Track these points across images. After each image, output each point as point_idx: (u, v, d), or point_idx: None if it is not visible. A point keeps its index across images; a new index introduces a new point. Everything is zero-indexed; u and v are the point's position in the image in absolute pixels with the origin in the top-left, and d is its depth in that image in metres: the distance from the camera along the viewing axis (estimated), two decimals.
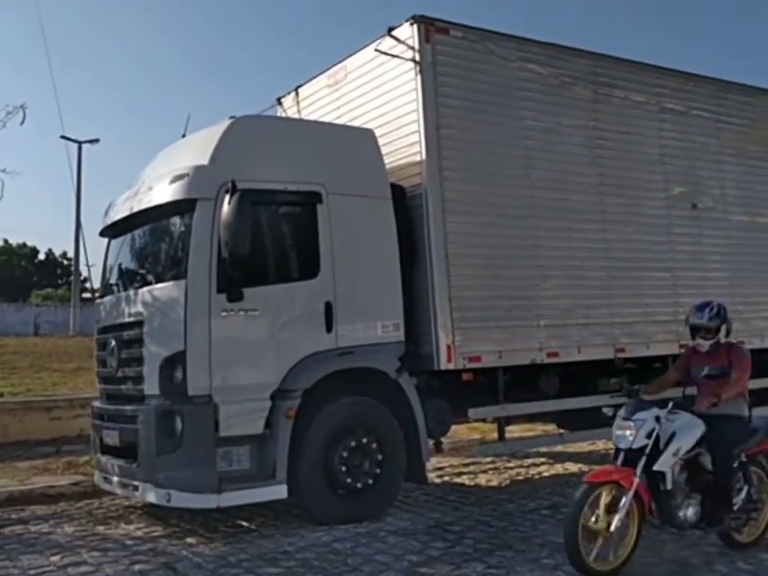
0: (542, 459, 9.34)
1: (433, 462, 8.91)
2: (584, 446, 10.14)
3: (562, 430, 8.03)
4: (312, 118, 8.06)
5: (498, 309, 7.09)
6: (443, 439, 8.76)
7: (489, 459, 9.26)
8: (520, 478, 8.28)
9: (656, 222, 8.38)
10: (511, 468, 8.86)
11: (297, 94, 8.44)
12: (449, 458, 9.16)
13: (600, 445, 10.30)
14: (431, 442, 6.98)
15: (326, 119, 7.78)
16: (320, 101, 8.08)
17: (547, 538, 5.74)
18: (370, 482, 6.29)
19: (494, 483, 7.99)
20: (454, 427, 9.14)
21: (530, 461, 9.26)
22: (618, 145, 8.17)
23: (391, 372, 6.47)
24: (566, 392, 7.74)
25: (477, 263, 7.03)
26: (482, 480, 8.17)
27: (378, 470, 6.32)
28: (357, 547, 5.57)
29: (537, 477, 8.35)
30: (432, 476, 8.32)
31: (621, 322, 7.93)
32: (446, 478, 8.27)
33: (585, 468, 8.74)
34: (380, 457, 6.33)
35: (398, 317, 6.66)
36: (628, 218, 8.15)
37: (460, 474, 8.52)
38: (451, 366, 6.75)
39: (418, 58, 6.84)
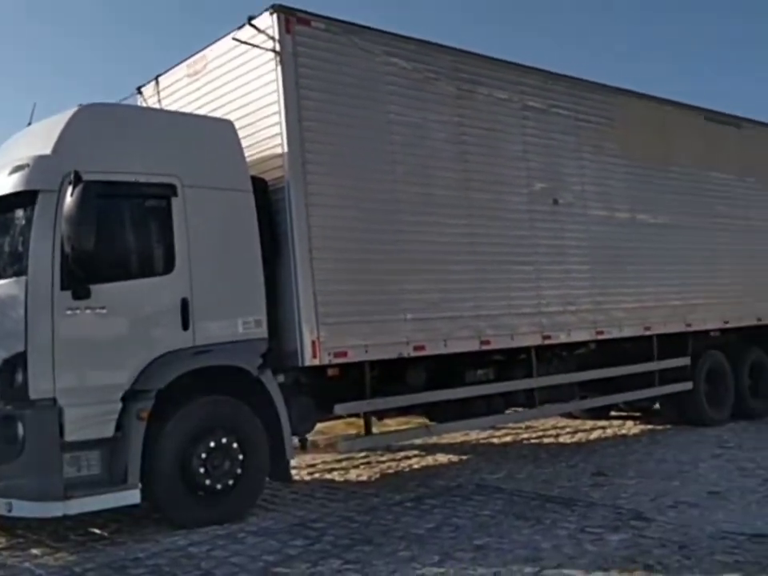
0: (415, 451, 9.42)
1: (306, 458, 8.89)
2: (458, 437, 10.31)
3: (429, 423, 8.08)
4: (173, 108, 7.78)
5: (364, 303, 7.07)
6: (316, 436, 8.77)
7: (363, 454, 9.27)
8: (390, 471, 8.31)
9: (519, 216, 8.58)
10: (383, 462, 8.88)
11: (157, 83, 8.14)
12: (323, 455, 9.11)
13: (473, 435, 10.53)
14: (296, 439, 6.88)
15: (187, 110, 7.53)
16: (180, 91, 7.82)
17: (408, 530, 5.76)
18: (231, 482, 6.13)
19: (364, 478, 7.99)
20: (330, 423, 9.20)
21: (402, 453, 9.33)
22: (482, 141, 8.31)
23: (253, 369, 6.33)
24: (434, 384, 7.82)
25: (342, 257, 6.98)
26: (352, 475, 8.15)
27: (239, 470, 6.16)
28: (213, 550, 5.40)
29: (407, 469, 8.40)
30: (303, 473, 8.27)
31: (486, 315, 8.07)
32: (317, 475, 8.20)
33: (454, 459, 8.90)
34: (241, 456, 6.18)
35: (260, 313, 6.52)
36: (493, 213, 8.30)
37: (331, 470, 8.46)
38: (316, 362, 6.67)
39: (278, 48, 6.71)
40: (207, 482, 6.01)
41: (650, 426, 10.87)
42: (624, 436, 10.28)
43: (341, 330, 6.87)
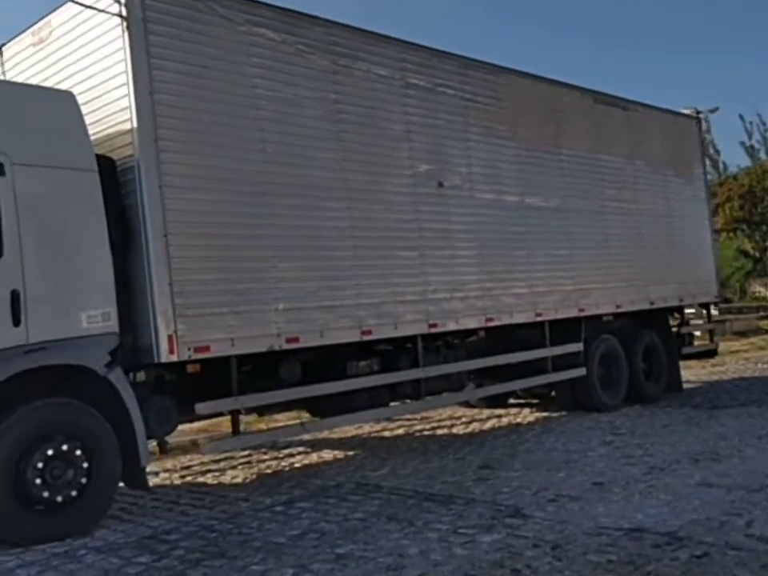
0: (301, 448, 8.94)
1: (182, 460, 8.30)
2: (350, 430, 9.89)
3: (303, 420, 7.61)
4: (19, 79, 7.03)
5: (229, 293, 6.52)
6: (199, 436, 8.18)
7: (246, 452, 8.74)
8: (269, 471, 7.80)
9: (402, 200, 8.18)
10: (265, 461, 8.36)
11: (0, 54, 7.35)
12: (201, 456, 8.51)
13: (366, 428, 10.12)
14: (154, 443, 6.31)
15: (33, 81, 6.81)
16: (26, 61, 7.06)
17: (269, 539, 5.29)
18: (74, 493, 5.51)
19: (239, 480, 7.45)
20: (213, 421, 8.64)
21: (287, 451, 8.83)
22: (361, 120, 7.86)
23: (99, 368, 5.71)
24: (313, 378, 7.34)
25: (203, 244, 6.41)
26: (227, 477, 7.61)
27: (83, 480, 5.56)
28: (44, 572, 4.80)
29: (287, 468, 7.91)
30: (175, 476, 7.68)
31: (368, 303, 7.64)
32: (189, 478, 7.63)
33: (340, 455, 8.46)
34: (86, 464, 5.57)
35: (109, 305, 5.91)
36: (374, 196, 7.87)
37: (207, 471, 7.90)
38: (174, 358, 6.10)
39: (124, 12, 6.07)
40: (45, 494, 5.39)
41: (545, 414, 10.69)
42: (518, 425, 10.06)
43: (203, 322, 6.31)
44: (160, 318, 6.04)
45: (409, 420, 10.74)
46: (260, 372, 7.02)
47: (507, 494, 6.26)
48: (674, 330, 12.39)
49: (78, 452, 5.54)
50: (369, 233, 7.75)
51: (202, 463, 8.30)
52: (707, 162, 31.62)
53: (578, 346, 10.24)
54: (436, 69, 8.73)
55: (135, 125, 6.10)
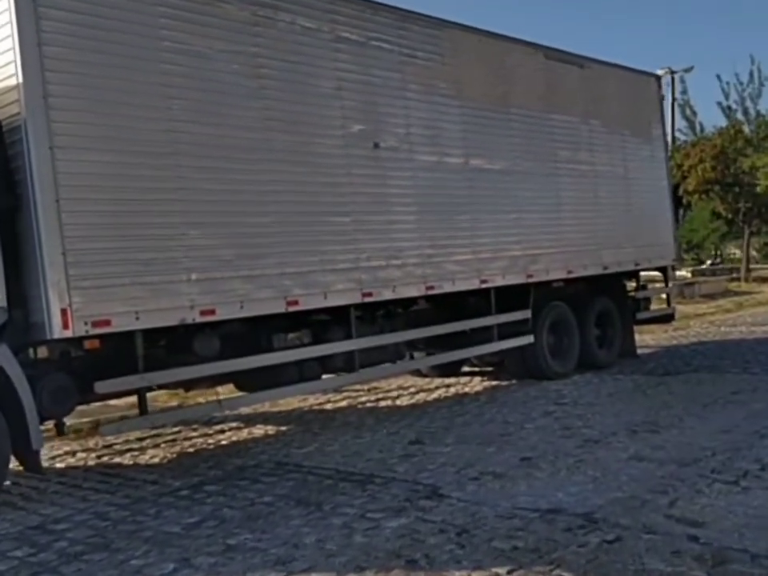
0: (234, 423, 8.57)
1: (108, 438, 7.89)
2: (293, 402, 9.54)
3: (220, 397, 7.22)
4: None
5: (133, 263, 6.06)
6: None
7: (176, 429, 8.35)
8: (191, 449, 7.42)
9: (333, 162, 7.71)
10: (193, 438, 7.98)
11: None
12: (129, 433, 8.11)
13: (310, 400, 9.78)
14: (51, 424, 5.91)
15: None
16: None
17: (162, 528, 4.93)
18: None
19: (157, 459, 7.06)
20: (153, 394, 8.24)
21: (219, 426, 8.45)
22: (286, 75, 7.34)
23: None
24: (237, 352, 6.94)
25: (101, 209, 5.93)
26: (146, 456, 7.22)
27: None
28: None
29: (212, 446, 7.53)
30: (92, 456, 7.29)
31: (294, 273, 7.22)
32: (106, 458, 7.22)
33: (272, 430, 8.11)
34: None
35: None
36: (300, 158, 7.39)
37: (127, 451, 7.50)
38: (69, 334, 5.65)
39: None
40: None
41: (495, 383, 10.39)
42: (465, 395, 9.74)
43: (102, 294, 5.85)
44: (52, 290, 5.59)
45: (356, 391, 10.40)
46: (175, 347, 6.60)
47: (430, 471, 5.94)
48: (631, 294, 12.11)
49: None
50: (294, 197, 7.29)
51: (126, 441, 7.90)
52: (684, 123, 31.42)
53: (525, 314, 9.91)
54: (369, 21, 8.21)
55: (21, 80, 5.58)
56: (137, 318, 6.04)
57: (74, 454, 7.38)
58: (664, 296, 13.21)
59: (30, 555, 4.54)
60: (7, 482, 6.15)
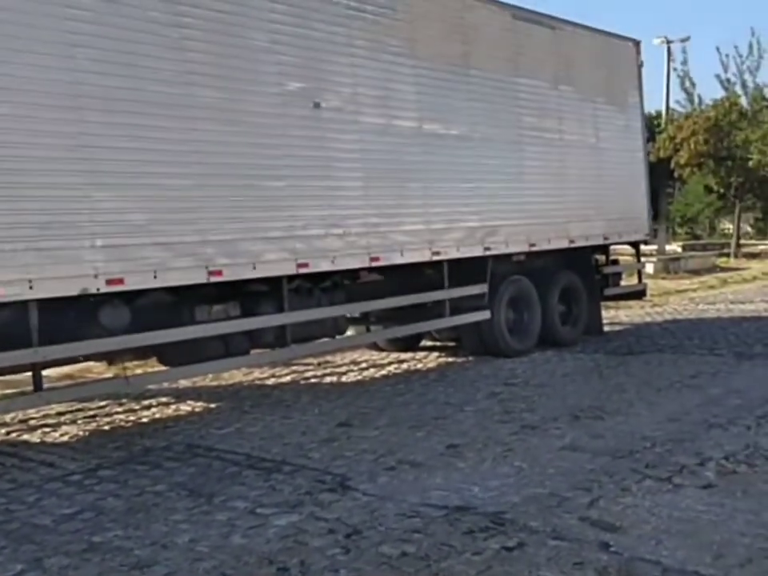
0: (165, 398, 8.10)
1: (32, 412, 7.41)
2: (237, 375, 9.08)
3: (126, 374, 6.73)
4: None
5: (26, 226, 5.52)
6: None
7: (104, 403, 7.90)
8: (107, 427, 6.95)
9: (266, 121, 7.15)
10: (117, 413, 7.49)
11: None
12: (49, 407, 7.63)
13: (256, 374, 9.32)
14: None
15: None
16: None
17: (31, 520, 4.47)
18: None
19: (66, 438, 6.59)
20: (89, 365, 7.80)
21: (148, 402, 7.98)
22: (211, 26, 6.74)
23: None
24: (149, 324, 6.44)
25: None
26: (57, 434, 6.73)
27: None
28: None
29: (130, 424, 7.06)
30: (1, 432, 6.81)
31: (217, 240, 6.69)
32: (15, 434, 6.75)
33: (199, 408, 7.65)
34: None
35: None
36: (227, 116, 6.82)
37: (41, 426, 7.03)
38: None
39: None
40: None
41: (450, 359, 9.95)
42: (416, 372, 9.29)
43: None
44: None
45: (305, 365, 9.95)
46: (79, 318, 6.10)
47: (346, 459, 5.48)
48: (600, 269, 11.62)
49: None
50: (219, 158, 6.75)
51: (46, 415, 7.43)
52: (683, 95, 30.63)
53: (482, 288, 9.41)
54: None
55: None
56: (30, 287, 5.53)
57: None
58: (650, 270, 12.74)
59: None
60: None
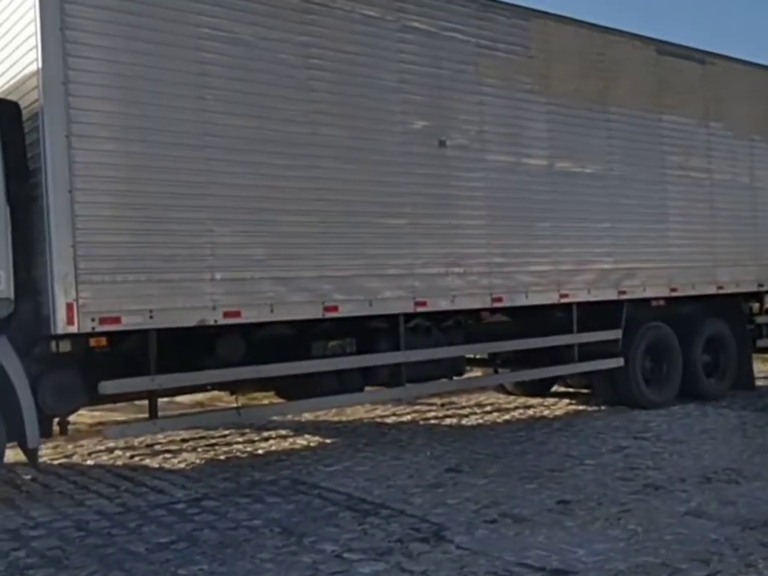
0: (285, 431, 8.19)
1: (158, 437, 7.73)
2: (360, 411, 9.09)
3: (238, 406, 6.80)
4: None
5: (150, 258, 5.77)
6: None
7: (227, 431, 8.10)
8: (222, 457, 7.07)
9: (389, 159, 7.15)
10: (235, 443, 7.64)
11: None
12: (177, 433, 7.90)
13: (379, 411, 9.29)
14: (56, 421, 5.72)
15: None
16: None
17: (127, 546, 4.55)
18: None
19: (183, 465, 6.75)
20: (216, 394, 8.08)
21: (269, 432, 8.11)
22: (339, 67, 6.86)
23: None
24: (264, 357, 6.54)
25: (118, 202, 5.68)
26: (176, 460, 6.93)
27: None
28: None
29: (246, 455, 7.15)
30: (126, 455, 7.11)
31: (335, 276, 6.72)
32: (137, 459, 7.00)
33: (314, 443, 7.65)
34: None
35: (1, 267, 5.32)
36: (350, 154, 6.89)
37: (165, 451, 7.27)
38: (74, 330, 5.42)
39: None
40: None
41: (581, 407, 9.47)
42: (542, 418, 8.91)
43: (114, 290, 5.60)
44: (58, 283, 5.39)
45: (429, 405, 9.81)
46: (196, 349, 6.27)
47: (447, 507, 5.26)
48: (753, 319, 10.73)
49: None
50: (341, 195, 6.81)
51: (171, 441, 7.70)
52: None
53: (615, 333, 8.92)
54: (444, 11, 7.59)
55: (41, 65, 5.43)
56: (151, 317, 5.75)
57: (111, 451, 7.25)
58: None
59: None
60: (27, 477, 6.10)
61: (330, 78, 6.82)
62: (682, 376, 9.58)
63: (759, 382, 10.79)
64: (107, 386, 5.63)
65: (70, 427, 6.06)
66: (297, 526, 4.86)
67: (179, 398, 8.62)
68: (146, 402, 6.05)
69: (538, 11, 8.46)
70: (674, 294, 9.46)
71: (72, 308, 5.40)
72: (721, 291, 9.93)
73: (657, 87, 9.53)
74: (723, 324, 10.19)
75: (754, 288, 10.42)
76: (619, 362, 8.94)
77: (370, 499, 5.49)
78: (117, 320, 5.60)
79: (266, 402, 8.15)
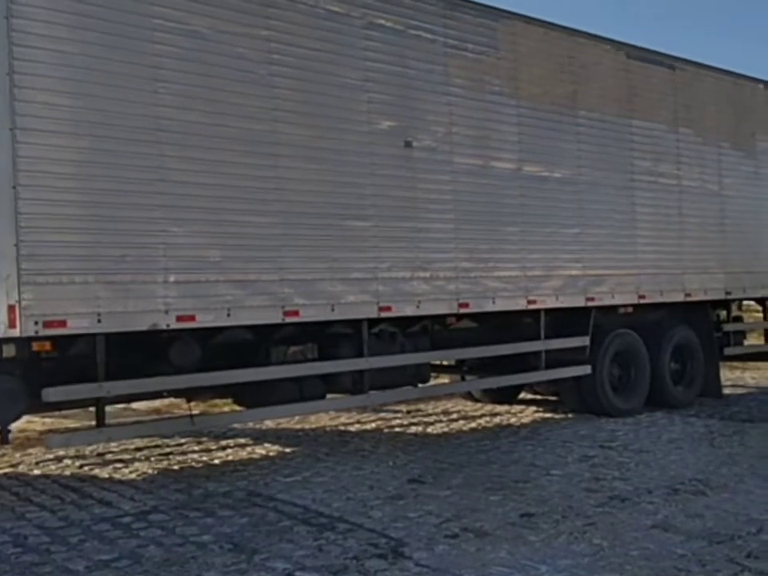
0: (244, 439, 7.94)
1: (112, 446, 7.43)
2: (324, 419, 8.86)
3: (191, 414, 6.52)
4: None
5: (100, 258, 5.49)
6: None
7: (183, 440, 7.82)
8: (176, 467, 6.78)
9: (353, 160, 6.94)
10: (191, 452, 7.36)
11: None
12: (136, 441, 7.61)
13: (342, 419, 9.06)
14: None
15: None
16: None
17: (66, 564, 4.27)
18: None
19: (134, 476, 6.43)
20: (176, 401, 7.79)
21: (227, 441, 7.85)
22: (301, 63, 6.65)
23: None
24: (220, 363, 6.29)
25: (65, 199, 5.40)
26: (127, 470, 6.62)
27: None
28: None
29: (201, 465, 6.88)
30: (75, 465, 6.80)
31: (296, 280, 6.50)
32: (87, 468, 6.69)
33: (273, 452, 7.40)
34: None
35: None
36: (312, 154, 6.67)
37: (117, 461, 6.97)
38: (15, 333, 5.13)
39: None
40: None
41: (548, 415, 9.32)
42: (507, 426, 8.74)
43: (60, 292, 5.31)
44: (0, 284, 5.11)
45: (395, 412, 9.61)
46: (148, 354, 6.00)
47: (407, 520, 5.05)
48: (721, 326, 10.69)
49: None
50: (302, 197, 6.58)
51: (124, 450, 7.40)
52: None
53: (582, 340, 8.80)
54: (411, 9, 7.41)
55: None
56: (99, 321, 5.47)
57: (60, 460, 6.93)
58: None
59: None
60: None
61: (292, 75, 6.60)
62: (649, 384, 9.49)
63: (726, 390, 10.73)
64: (51, 393, 5.33)
65: (18, 435, 5.77)
66: (248, 542, 4.62)
67: (135, 405, 8.36)
68: None
69: (507, 11, 8.32)
70: (643, 301, 9.37)
71: (14, 310, 5.12)
72: (689, 299, 9.87)
73: (627, 92, 9.45)
74: (691, 332, 10.12)
75: (721, 296, 10.38)
76: (586, 369, 8.81)
77: (328, 512, 5.26)
78: (62, 323, 5.31)
79: (226, 409, 7.91)
